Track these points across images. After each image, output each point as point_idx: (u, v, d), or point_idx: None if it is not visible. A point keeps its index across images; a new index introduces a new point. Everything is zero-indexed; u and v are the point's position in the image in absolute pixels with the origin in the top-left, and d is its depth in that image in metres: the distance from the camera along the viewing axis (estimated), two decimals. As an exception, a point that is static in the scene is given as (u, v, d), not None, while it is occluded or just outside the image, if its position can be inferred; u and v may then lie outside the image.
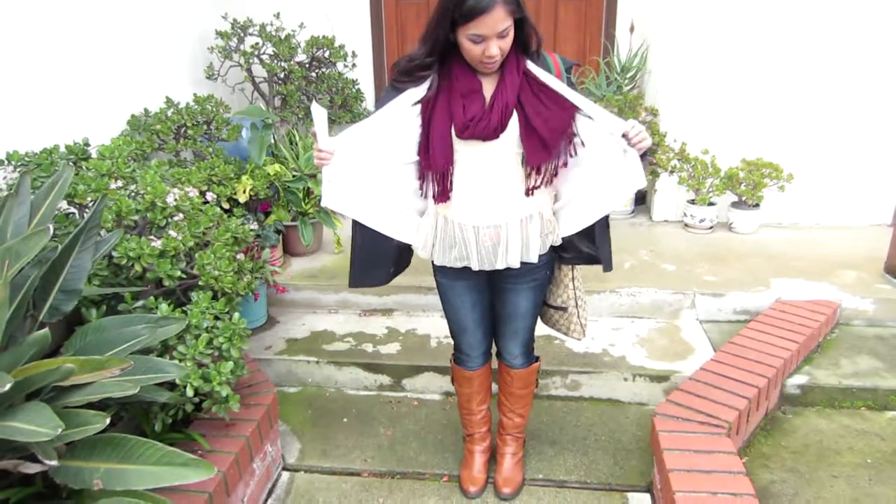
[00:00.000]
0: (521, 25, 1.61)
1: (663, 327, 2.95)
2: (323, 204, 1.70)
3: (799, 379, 2.56)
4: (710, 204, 3.76)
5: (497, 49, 1.57)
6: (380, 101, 1.76)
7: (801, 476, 2.20)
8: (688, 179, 3.78)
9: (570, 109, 1.67)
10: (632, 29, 4.26)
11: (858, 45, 3.61)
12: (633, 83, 4.24)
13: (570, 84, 1.75)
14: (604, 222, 1.85)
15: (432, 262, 1.91)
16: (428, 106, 1.69)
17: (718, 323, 2.97)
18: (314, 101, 1.70)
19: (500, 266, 1.80)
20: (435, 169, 1.71)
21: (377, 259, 1.94)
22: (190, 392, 1.87)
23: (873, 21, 3.57)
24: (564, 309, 2.00)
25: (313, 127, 1.62)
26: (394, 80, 1.74)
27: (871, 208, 3.89)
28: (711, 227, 3.82)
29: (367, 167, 1.74)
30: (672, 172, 3.82)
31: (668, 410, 2.15)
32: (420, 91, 1.69)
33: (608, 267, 1.92)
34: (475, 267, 1.80)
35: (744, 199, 3.74)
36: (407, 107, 1.71)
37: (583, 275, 2.07)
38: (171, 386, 1.90)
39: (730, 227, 3.84)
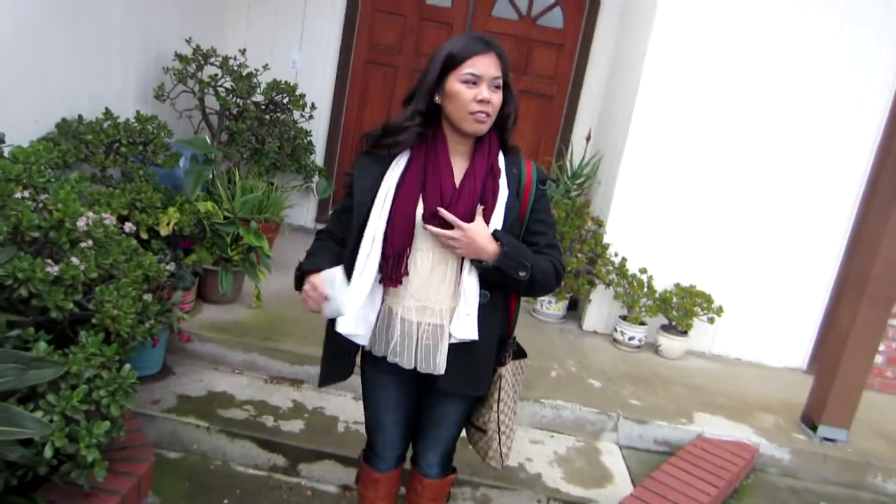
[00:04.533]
0: (505, 95, 1.58)
1: (583, 447, 2.82)
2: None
3: (713, 525, 2.48)
4: (642, 323, 3.76)
5: (489, 93, 1.50)
6: (356, 174, 1.61)
7: None
8: (623, 296, 3.78)
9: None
10: (588, 138, 4.35)
11: (790, 195, 3.78)
12: (582, 190, 4.29)
13: (541, 196, 1.67)
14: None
15: (362, 348, 1.73)
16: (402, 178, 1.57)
17: (638, 451, 2.88)
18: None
19: (433, 370, 1.63)
20: (392, 249, 1.56)
21: (345, 353, 1.73)
22: (49, 453, 1.57)
23: (804, 175, 3.76)
24: (484, 431, 1.82)
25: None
26: (372, 146, 1.61)
27: (788, 352, 4.00)
28: (639, 347, 3.80)
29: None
30: (609, 286, 3.82)
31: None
32: (399, 164, 1.58)
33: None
34: (407, 365, 1.63)
35: (674, 323, 3.76)
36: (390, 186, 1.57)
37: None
38: (27, 440, 1.60)
39: (656, 350, 3.83)
